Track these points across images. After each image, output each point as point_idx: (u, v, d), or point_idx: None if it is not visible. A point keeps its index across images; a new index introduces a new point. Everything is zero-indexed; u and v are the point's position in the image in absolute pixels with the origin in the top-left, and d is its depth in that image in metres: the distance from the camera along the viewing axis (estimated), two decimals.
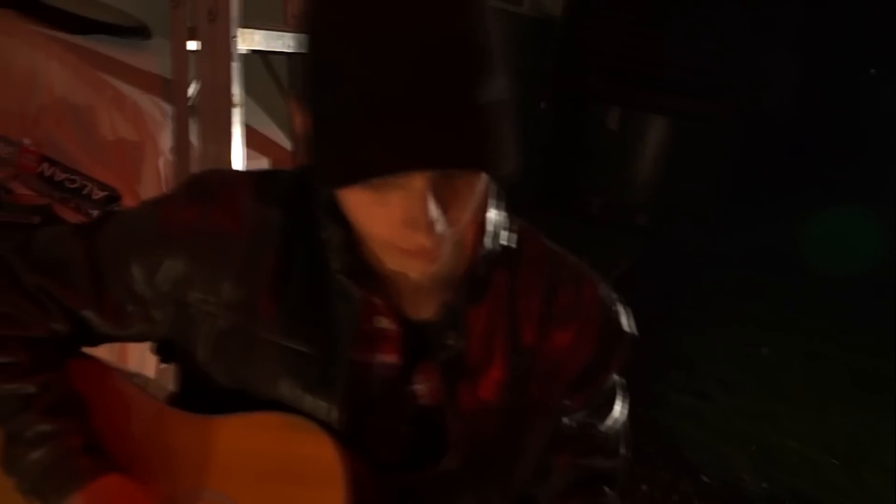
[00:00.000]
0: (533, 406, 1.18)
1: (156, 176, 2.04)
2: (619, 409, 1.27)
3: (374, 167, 0.90)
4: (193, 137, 2.03)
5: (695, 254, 5.93)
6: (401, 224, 0.97)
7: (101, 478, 1.12)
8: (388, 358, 1.15)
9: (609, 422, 1.26)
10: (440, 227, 0.96)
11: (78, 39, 2.22)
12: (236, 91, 2.00)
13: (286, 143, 2.41)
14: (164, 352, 1.29)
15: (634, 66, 6.11)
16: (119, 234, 1.21)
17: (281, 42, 2.14)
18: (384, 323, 1.14)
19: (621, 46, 6.17)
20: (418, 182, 0.94)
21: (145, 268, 1.17)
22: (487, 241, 1.15)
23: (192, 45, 2.03)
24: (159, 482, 1.16)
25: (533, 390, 1.18)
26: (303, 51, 0.98)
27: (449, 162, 0.91)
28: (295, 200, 1.16)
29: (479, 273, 1.15)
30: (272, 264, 1.14)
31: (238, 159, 2.02)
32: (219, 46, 1.98)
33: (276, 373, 1.14)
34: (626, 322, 1.22)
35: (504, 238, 1.18)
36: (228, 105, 1.99)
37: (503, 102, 0.95)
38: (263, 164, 2.30)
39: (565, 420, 1.22)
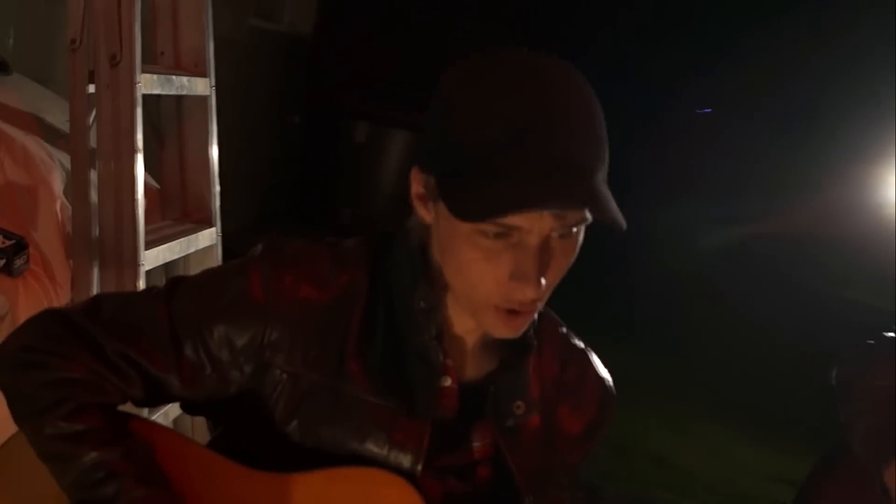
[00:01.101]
0: (552, 463, 1.38)
1: (53, 221, 2.00)
2: None
3: (529, 202, 1.09)
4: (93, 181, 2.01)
5: None
6: (508, 279, 1.14)
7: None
8: (447, 414, 1.30)
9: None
10: (544, 282, 1.15)
11: None
12: (139, 136, 2.01)
13: (154, 183, 2.41)
14: (195, 408, 1.36)
15: (379, 82, 6.41)
16: (200, 300, 1.27)
17: (173, 85, 2.16)
18: (448, 382, 1.29)
19: (366, 63, 6.45)
20: (533, 240, 1.13)
21: (229, 333, 1.25)
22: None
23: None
24: None
25: (551, 447, 1.38)
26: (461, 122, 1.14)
27: (579, 203, 1.11)
28: (371, 267, 1.29)
29: (529, 341, 1.33)
30: (357, 327, 1.27)
31: (140, 203, 2.03)
32: (121, 91, 1.98)
33: (366, 428, 1.26)
34: (614, 392, 1.45)
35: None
36: (131, 150, 2.00)
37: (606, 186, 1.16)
38: None
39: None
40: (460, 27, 6.56)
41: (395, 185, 6.57)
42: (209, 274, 1.34)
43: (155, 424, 1.31)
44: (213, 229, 2.34)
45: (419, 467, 1.26)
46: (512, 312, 1.18)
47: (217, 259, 2.39)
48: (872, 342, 1.93)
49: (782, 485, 4.71)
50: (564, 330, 1.43)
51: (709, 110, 9.67)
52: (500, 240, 1.14)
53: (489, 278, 1.16)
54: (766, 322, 6.75)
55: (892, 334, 1.91)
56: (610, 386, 1.44)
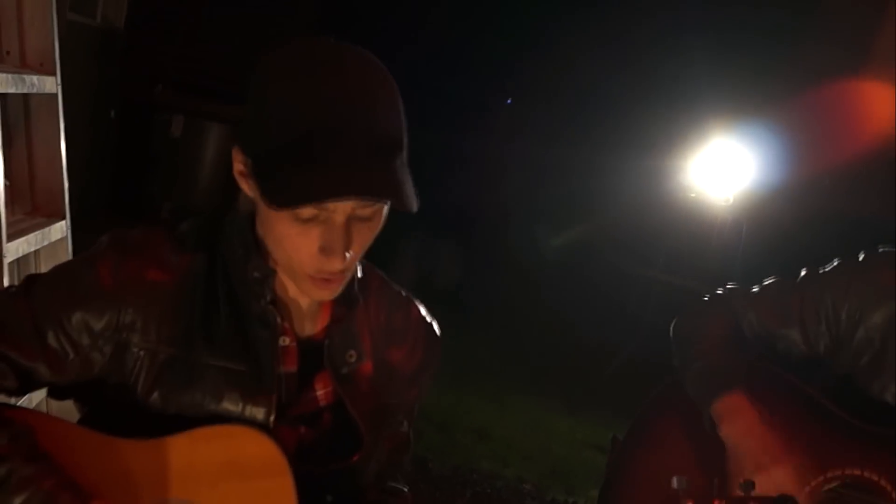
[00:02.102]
0: (387, 404, 1.56)
1: None
2: None
3: (332, 191, 1.24)
4: None
5: None
6: (318, 252, 1.31)
7: None
8: (290, 369, 1.46)
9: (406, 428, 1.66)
10: (349, 255, 1.32)
11: None
12: None
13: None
14: (62, 392, 1.46)
15: (193, 76, 6.40)
16: (56, 292, 1.38)
17: (24, 84, 2.17)
18: (286, 342, 1.45)
19: (180, 57, 6.42)
20: (339, 217, 1.29)
21: (87, 320, 1.37)
22: (357, 272, 1.52)
23: None
24: (128, 502, 1.35)
25: (386, 388, 1.56)
26: (270, 109, 1.28)
27: (376, 194, 1.27)
28: (209, 245, 1.44)
29: (354, 297, 1.51)
30: (203, 302, 1.41)
31: (0, 198, 2.04)
32: None
33: (220, 390, 1.40)
34: (438, 330, 1.65)
35: (359, 270, 1.54)
36: None
37: (405, 167, 1.33)
38: None
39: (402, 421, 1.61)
40: (272, 20, 6.62)
41: (212, 179, 6.59)
42: (62, 268, 1.45)
43: (28, 410, 1.41)
44: (63, 222, 2.39)
45: (272, 419, 1.41)
46: (325, 280, 1.35)
47: (68, 252, 2.43)
48: (707, 299, 2.13)
49: (592, 450, 5.08)
50: (387, 281, 1.60)
51: (510, 101, 10.01)
52: (310, 220, 1.29)
53: (302, 251, 1.32)
54: (577, 301, 7.15)
55: (720, 291, 2.11)
56: (434, 327, 1.62)
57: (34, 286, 1.40)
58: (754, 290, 2.08)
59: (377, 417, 1.53)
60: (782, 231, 7.09)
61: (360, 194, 1.26)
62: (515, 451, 4.85)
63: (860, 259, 1.98)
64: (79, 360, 1.38)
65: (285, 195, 1.26)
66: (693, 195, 7.11)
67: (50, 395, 1.49)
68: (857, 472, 1.80)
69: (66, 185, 2.43)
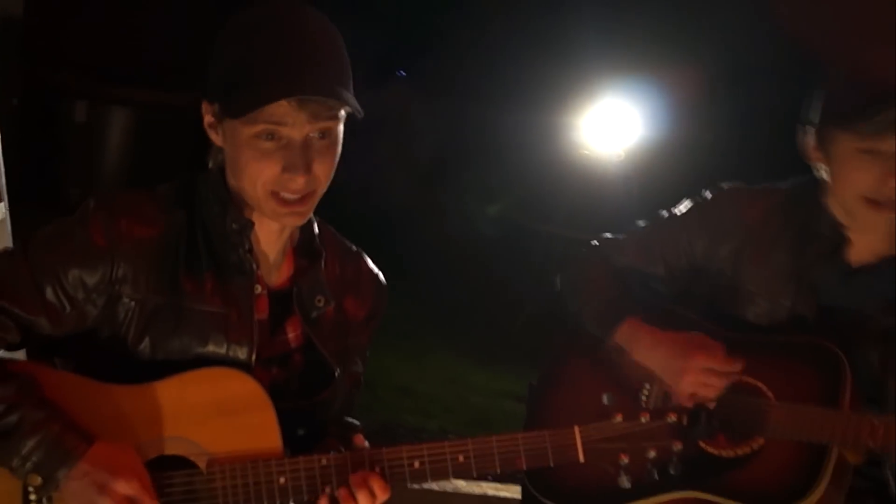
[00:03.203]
0: (345, 346, 1.78)
1: None
2: None
3: (281, 93, 1.48)
4: None
5: None
6: (282, 171, 1.53)
7: (92, 446, 1.47)
8: (262, 315, 1.66)
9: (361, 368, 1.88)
10: (311, 172, 1.53)
11: None
12: None
13: None
14: (45, 352, 1.62)
15: (98, 60, 6.38)
16: (53, 251, 1.56)
17: None
18: (259, 290, 1.66)
19: (81, 42, 6.38)
20: (297, 137, 1.52)
21: (82, 275, 1.55)
22: (314, 228, 1.72)
23: None
24: (126, 441, 1.52)
25: (343, 332, 1.77)
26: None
27: (312, 93, 1.50)
28: (187, 203, 1.64)
29: (317, 249, 1.71)
30: (185, 254, 1.61)
31: None
32: None
33: (206, 333, 1.60)
34: (384, 281, 1.86)
35: (315, 226, 1.75)
36: None
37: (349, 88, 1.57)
38: None
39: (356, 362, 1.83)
40: (174, 1, 6.64)
41: (121, 163, 6.61)
42: (54, 229, 1.61)
43: (28, 362, 1.58)
44: (1, 204, 2.49)
45: (253, 358, 1.61)
46: (291, 203, 1.56)
47: (8, 234, 2.54)
48: (584, 251, 2.35)
49: (509, 399, 5.35)
50: (338, 236, 1.82)
51: (403, 73, 10.11)
52: (271, 142, 1.52)
53: (266, 172, 1.53)
54: (482, 258, 7.40)
55: (595, 242, 2.34)
56: (381, 278, 1.85)
57: (30, 246, 1.56)
58: (621, 236, 2.31)
59: (342, 357, 1.74)
60: (673, 183, 7.44)
61: (304, 90, 1.49)
62: (437, 405, 5.09)
63: (707, 197, 2.22)
64: (75, 313, 1.55)
65: (244, 104, 1.49)
66: (586, 152, 7.41)
67: (29, 357, 1.66)
68: (737, 378, 2.03)
69: (2, 168, 2.52)
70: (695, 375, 1.97)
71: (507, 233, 7.77)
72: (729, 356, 1.97)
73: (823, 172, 2.07)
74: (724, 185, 2.24)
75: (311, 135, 1.54)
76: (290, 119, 1.50)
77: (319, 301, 1.70)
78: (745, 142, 7.57)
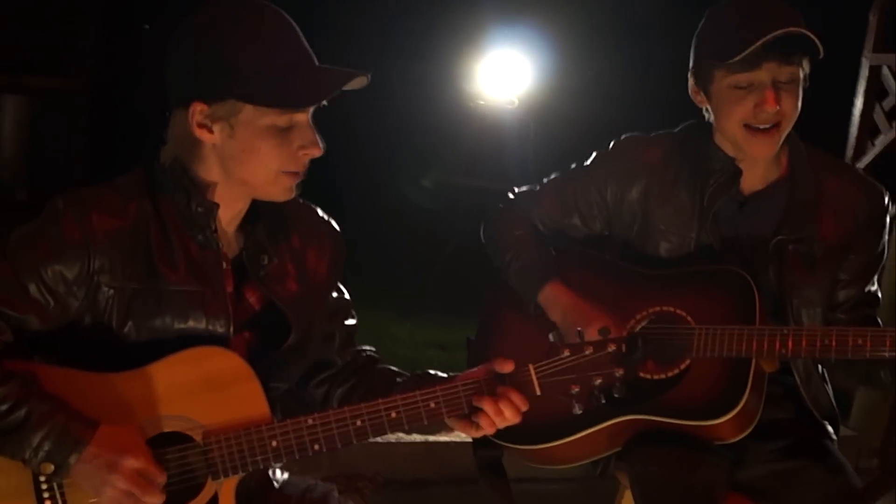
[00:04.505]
0: (313, 293, 1.90)
1: None
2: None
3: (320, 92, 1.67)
4: None
5: None
6: (298, 149, 1.68)
7: (98, 430, 1.58)
8: (230, 288, 1.78)
9: (346, 295, 2.03)
10: (321, 143, 1.70)
11: None
12: None
13: None
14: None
15: None
16: (31, 250, 1.65)
17: None
18: (224, 265, 1.77)
19: None
20: (305, 119, 1.68)
21: (61, 270, 1.65)
22: None
23: None
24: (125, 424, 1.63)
25: (308, 280, 1.89)
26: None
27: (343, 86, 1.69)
28: (149, 193, 1.73)
29: (257, 210, 1.81)
30: (157, 240, 1.71)
31: None
32: None
33: (186, 311, 1.71)
34: (337, 227, 1.98)
35: None
36: None
37: None
38: None
39: (331, 295, 1.97)
40: None
41: (14, 152, 6.46)
42: (29, 230, 1.69)
43: (22, 360, 1.65)
44: None
45: (232, 329, 1.74)
46: (295, 175, 1.71)
47: None
48: (500, 207, 2.48)
49: (433, 348, 5.55)
50: None
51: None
52: (286, 127, 1.66)
53: (285, 156, 1.68)
54: (393, 213, 7.52)
55: (511, 196, 2.47)
56: (334, 224, 1.98)
57: (8, 250, 1.65)
58: (536, 188, 2.45)
59: (305, 307, 1.86)
60: (567, 126, 7.67)
61: (339, 87, 1.67)
62: None
63: (610, 147, 2.39)
64: (59, 307, 1.65)
65: (296, 98, 1.65)
66: (481, 101, 7.56)
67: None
68: (659, 309, 2.22)
69: None
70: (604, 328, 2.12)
71: (409, 186, 7.90)
72: (619, 332, 2.11)
73: (708, 112, 2.26)
74: (623, 136, 2.40)
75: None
76: (309, 107, 1.69)
77: (264, 259, 1.81)
78: (636, 89, 7.81)
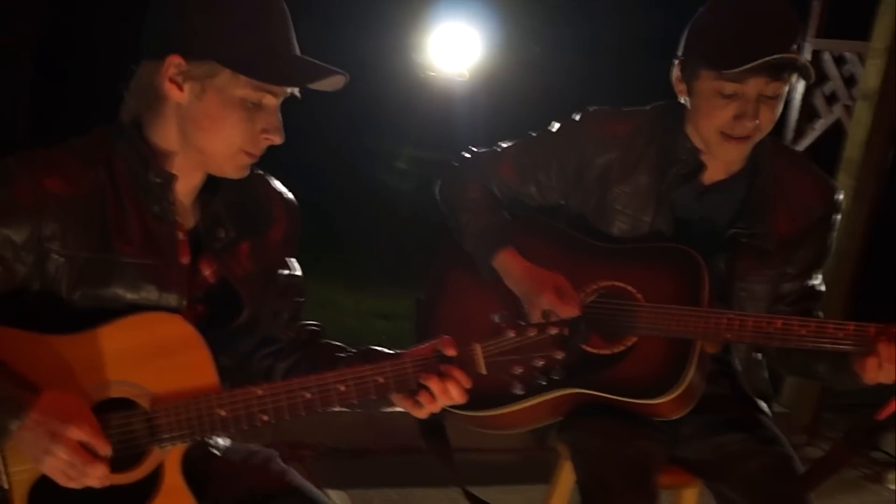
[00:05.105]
0: (266, 268, 1.89)
1: None
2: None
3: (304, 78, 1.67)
4: None
5: None
6: (261, 132, 1.67)
7: (41, 396, 1.53)
8: (185, 260, 1.77)
9: (298, 272, 2.02)
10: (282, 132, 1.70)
11: None
12: None
13: None
14: None
15: None
16: None
17: None
18: (181, 236, 1.76)
19: None
20: (273, 103, 1.67)
21: (10, 235, 1.61)
22: None
23: None
24: (70, 389, 1.59)
25: (263, 256, 1.88)
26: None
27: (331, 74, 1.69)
28: (106, 158, 1.70)
29: (216, 183, 1.80)
30: (112, 208, 1.68)
31: None
32: None
33: (137, 283, 1.69)
34: (294, 200, 1.98)
35: None
36: None
37: None
38: None
39: (283, 272, 1.96)
40: None
41: None
42: None
43: None
44: None
45: (184, 302, 1.72)
46: (253, 156, 1.71)
47: None
48: (457, 165, 2.45)
49: (380, 319, 5.57)
50: None
51: None
52: (256, 104, 1.65)
53: (246, 133, 1.67)
54: (340, 185, 7.49)
55: (467, 155, 2.45)
56: (291, 197, 1.97)
57: None
58: (497, 150, 2.42)
59: (257, 282, 1.85)
60: (516, 98, 7.69)
61: (321, 78, 1.68)
62: None
63: (578, 117, 2.37)
64: (4, 272, 1.62)
65: (287, 75, 1.65)
66: (432, 73, 7.55)
67: None
68: (609, 283, 2.25)
69: None
70: (553, 297, 2.15)
71: (358, 156, 7.87)
72: (571, 304, 2.14)
73: (685, 100, 2.24)
74: (592, 108, 2.38)
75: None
76: (282, 91, 1.68)
77: (220, 233, 1.80)
78: (585, 62, 7.84)
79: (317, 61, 1.69)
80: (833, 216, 2.30)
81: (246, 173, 1.74)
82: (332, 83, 1.71)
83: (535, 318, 2.10)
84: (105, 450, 1.54)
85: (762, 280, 2.25)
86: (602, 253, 2.30)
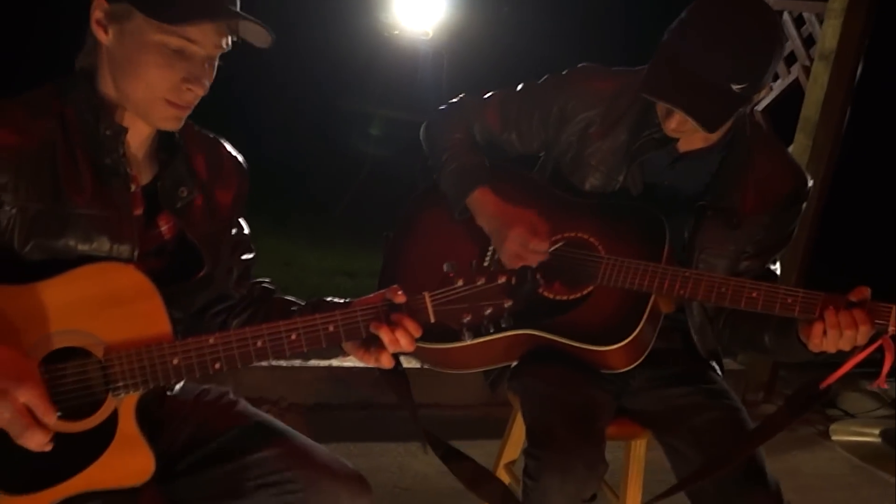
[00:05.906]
0: (220, 228, 1.92)
1: None
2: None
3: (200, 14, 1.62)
4: None
5: None
6: (181, 81, 1.66)
7: None
8: (138, 212, 1.78)
9: (246, 230, 2.05)
10: (206, 84, 1.68)
11: None
12: None
13: None
14: None
15: None
16: None
17: None
18: (134, 188, 1.77)
19: None
20: (201, 53, 1.66)
21: None
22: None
23: None
24: (11, 343, 1.57)
25: (217, 216, 1.91)
26: None
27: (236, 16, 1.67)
28: (58, 110, 1.70)
29: (177, 144, 1.84)
30: (64, 160, 1.68)
31: None
32: None
33: (90, 234, 1.69)
34: (244, 163, 2.00)
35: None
36: None
37: None
38: None
39: (233, 231, 1.98)
40: None
41: None
42: None
43: None
44: None
45: (136, 253, 1.73)
46: (180, 107, 1.70)
47: None
48: (444, 108, 2.49)
49: (341, 275, 5.58)
50: (197, 128, 1.93)
51: None
52: (177, 52, 1.64)
53: (166, 80, 1.66)
54: (305, 143, 7.46)
55: (457, 100, 2.48)
56: (241, 160, 2.00)
57: None
58: (485, 97, 2.46)
59: (213, 241, 1.88)
60: (481, 57, 7.69)
61: (232, 16, 1.65)
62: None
63: (566, 72, 2.41)
64: None
65: (177, 13, 1.60)
66: (396, 32, 7.53)
67: None
68: (574, 234, 2.30)
69: None
70: (513, 246, 2.19)
71: (323, 115, 7.85)
72: (543, 238, 2.17)
73: None
74: (582, 64, 2.42)
75: (216, 53, 1.68)
76: (206, 40, 1.64)
77: (183, 192, 1.82)
78: (549, 23, 7.84)
79: (238, 11, 1.68)
80: (800, 205, 2.33)
81: (177, 126, 1.74)
82: (256, 33, 1.70)
83: (505, 253, 2.18)
84: (50, 417, 1.52)
85: (722, 254, 2.29)
86: (571, 205, 2.34)
